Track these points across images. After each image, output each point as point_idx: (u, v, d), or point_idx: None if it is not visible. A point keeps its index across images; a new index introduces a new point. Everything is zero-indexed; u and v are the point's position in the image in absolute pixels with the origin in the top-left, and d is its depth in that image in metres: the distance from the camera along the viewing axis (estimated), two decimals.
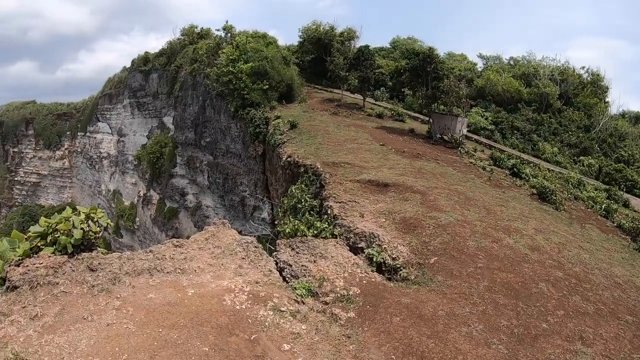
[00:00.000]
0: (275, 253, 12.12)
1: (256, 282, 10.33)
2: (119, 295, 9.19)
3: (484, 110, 45.49)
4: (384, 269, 12.43)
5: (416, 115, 43.64)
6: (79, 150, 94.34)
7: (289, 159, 23.41)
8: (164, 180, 58.16)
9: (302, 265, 11.35)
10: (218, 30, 50.81)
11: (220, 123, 43.70)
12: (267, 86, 38.42)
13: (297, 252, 11.99)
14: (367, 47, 44.53)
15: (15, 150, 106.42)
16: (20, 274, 8.93)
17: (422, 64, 34.86)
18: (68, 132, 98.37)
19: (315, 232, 14.56)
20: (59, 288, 9.03)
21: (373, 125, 33.65)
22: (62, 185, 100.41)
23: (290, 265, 11.33)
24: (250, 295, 9.79)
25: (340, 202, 16.20)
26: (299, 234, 14.65)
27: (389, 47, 67.63)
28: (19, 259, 9.27)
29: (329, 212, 15.39)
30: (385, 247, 13.22)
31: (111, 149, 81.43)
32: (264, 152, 34.87)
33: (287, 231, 15.49)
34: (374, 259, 12.57)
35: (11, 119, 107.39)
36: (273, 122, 33.00)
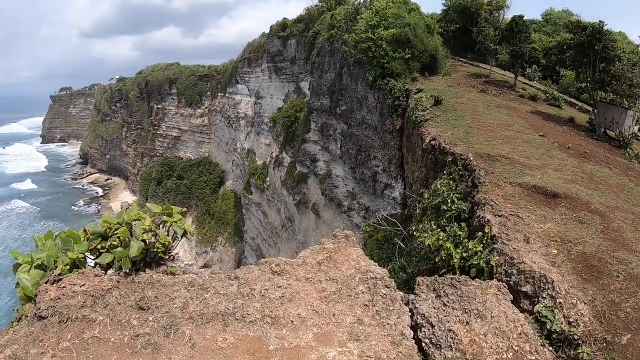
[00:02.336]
0: (413, 298, 8.54)
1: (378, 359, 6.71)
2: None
3: None
4: (554, 336, 8.91)
5: (572, 100, 38.86)
6: (217, 109, 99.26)
7: (432, 142, 21.08)
8: (297, 145, 58.77)
9: (449, 330, 7.87)
10: None
11: (356, 92, 42.49)
12: (409, 55, 36.02)
13: (444, 304, 8.41)
14: (521, 17, 40.11)
15: (159, 106, 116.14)
16: (52, 299, 6.74)
17: (589, 41, 30.27)
18: (208, 92, 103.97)
19: (465, 254, 11.41)
20: (93, 330, 6.59)
21: (527, 109, 29.94)
22: (201, 140, 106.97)
23: (432, 326, 7.92)
24: None
25: (499, 216, 12.54)
26: (442, 253, 11.60)
27: (541, 19, 61.36)
28: (58, 275, 7.02)
29: (485, 229, 11.83)
30: (560, 302, 9.54)
31: (248, 110, 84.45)
32: (402, 127, 33.07)
33: (426, 243, 12.50)
34: (548, 325, 8.93)
35: (156, 79, 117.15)
36: (415, 96, 30.91)
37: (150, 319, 6.89)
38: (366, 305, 7.70)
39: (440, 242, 12.04)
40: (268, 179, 70.83)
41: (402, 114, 32.74)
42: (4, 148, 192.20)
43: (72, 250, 7.27)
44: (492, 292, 8.88)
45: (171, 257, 8.11)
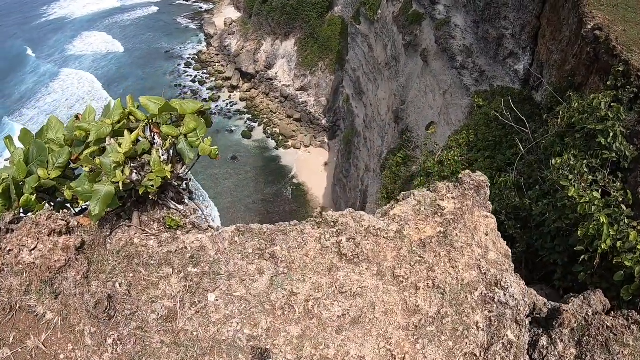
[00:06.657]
0: (544, 344, 5.20)
1: None
2: None
3: None
4: None
5: None
6: None
7: (596, 33, 16.61)
8: None
9: None
10: None
11: None
12: None
13: None
14: None
15: None
16: None
17: None
18: None
19: (619, 242, 7.31)
20: (39, 334, 4.06)
21: None
22: None
23: None
24: None
25: None
26: (590, 227, 7.47)
27: None
28: (9, 223, 4.40)
29: None
30: None
31: None
32: None
33: (569, 193, 8.21)
34: None
35: None
36: None
37: (110, 340, 4.01)
38: (475, 356, 4.33)
39: (592, 207, 7.89)
40: (380, 11, 66.25)
41: None
42: None
43: (49, 168, 4.56)
44: None
45: (178, 194, 5.00)
